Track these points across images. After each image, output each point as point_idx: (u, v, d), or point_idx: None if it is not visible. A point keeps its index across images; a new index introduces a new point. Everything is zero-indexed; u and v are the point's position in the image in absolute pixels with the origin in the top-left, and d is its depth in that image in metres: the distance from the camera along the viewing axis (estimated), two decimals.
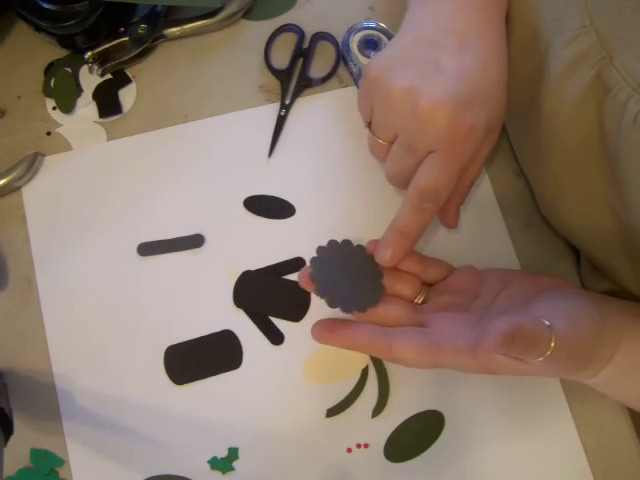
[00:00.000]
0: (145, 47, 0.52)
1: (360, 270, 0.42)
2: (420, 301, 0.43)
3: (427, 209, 0.40)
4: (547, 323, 0.34)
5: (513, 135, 0.50)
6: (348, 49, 0.52)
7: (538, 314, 0.36)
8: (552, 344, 0.34)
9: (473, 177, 0.44)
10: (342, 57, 0.53)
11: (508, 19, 0.44)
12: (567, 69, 0.37)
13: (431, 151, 0.39)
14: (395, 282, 0.43)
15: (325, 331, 0.40)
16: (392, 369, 0.47)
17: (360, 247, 0.43)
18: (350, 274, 0.42)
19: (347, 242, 0.43)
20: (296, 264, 0.48)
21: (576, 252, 0.50)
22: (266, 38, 0.53)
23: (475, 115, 0.38)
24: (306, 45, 0.53)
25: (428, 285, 0.44)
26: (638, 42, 0.34)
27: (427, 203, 0.40)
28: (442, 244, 0.49)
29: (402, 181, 0.42)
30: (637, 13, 0.34)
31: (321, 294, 0.41)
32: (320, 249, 0.42)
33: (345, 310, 0.40)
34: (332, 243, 0.42)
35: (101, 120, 0.51)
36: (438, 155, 0.39)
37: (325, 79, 0.52)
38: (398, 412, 0.46)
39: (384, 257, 0.41)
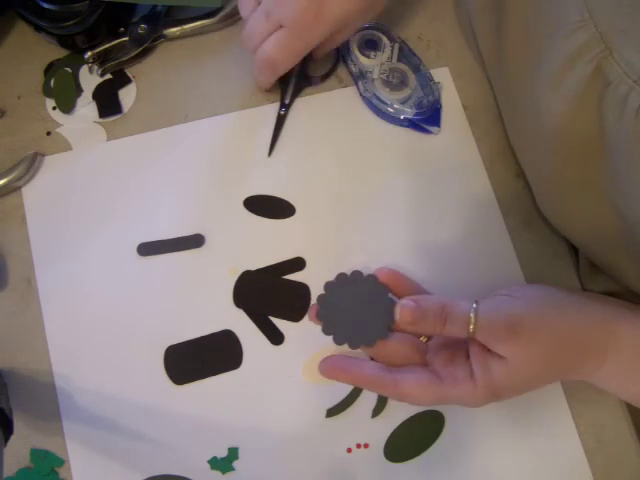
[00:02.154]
0: (145, 47, 0.52)
1: (370, 302, 0.40)
2: (425, 340, 0.42)
3: (265, 75, 0.48)
4: (473, 305, 0.37)
5: (512, 131, 0.50)
6: (348, 49, 0.52)
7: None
8: (471, 315, 0.36)
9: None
10: (342, 57, 0.53)
11: (505, 14, 0.44)
12: (566, 63, 0.37)
13: (282, 25, 0.44)
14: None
15: (332, 368, 0.40)
16: None
17: (371, 277, 0.41)
18: (359, 307, 0.40)
19: (357, 273, 0.41)
20: (296, 264, 0.48)
21: (575, 252, 0.50)
22: None
23: (330, 7, 0.42)
24: None
25: None
26: (638, 34, 0.34)
27: (264, 70, 0.47)
28: (442, 244, 0.49)
29: (251, 45, 0.47)
30: (636, 5, 0.34)
31: (328, 332, 0.40)
32: (328, 285, 0.41)
33: (352, 347, 0.40)
34: (340, 277, 0.41)
35: (101, 120, 0.51)
36: (284, 31, 0.44)
37: (324, 78, 0.52)
38: (398, 412, 0.46)
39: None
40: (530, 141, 0.45)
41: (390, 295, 0.41)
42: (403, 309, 0.38)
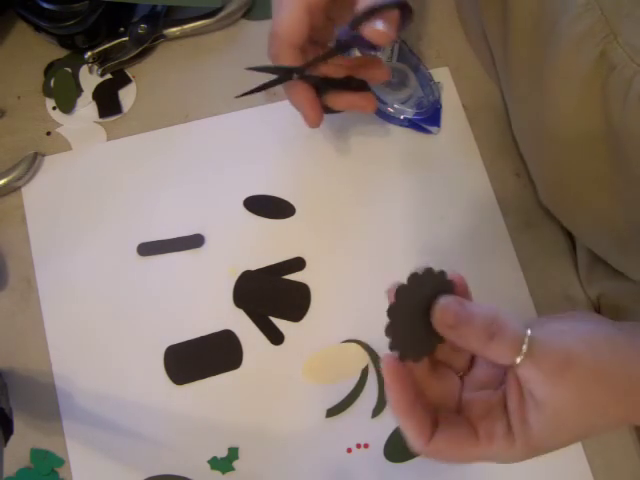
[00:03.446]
0: (145, 47, 0.52)
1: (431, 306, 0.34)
2: (461, 374, 0.36)
3: (273, 50, 0.42)
4: (528, 331, 0.31)
5: (516, 120, 0.49)
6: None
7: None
8: (525, 340, 0.30)
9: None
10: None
11: (509, 2, 0.44)
12: (572, 48, 0.37)
13: None
14: (450, 351, 0.36)
15: (398, 374, 0.33)
16: None
17: (442, 274, 0.34)
18: (425, 313, 0.34)
19: (442, 274, 0.34)
20: (296, 264, 0.48)
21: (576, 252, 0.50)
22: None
23: None
24: None
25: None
26: None
27: (270, 44, 0.42)
28: (441, 244, 0.49)
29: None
30: None
31: (389, 334, 0.33)
32: (412, 277, 0.34)
33: (402, 358, 0.33)
34: (428, 272, 0.34)
35: (101, 120, 0.51)
36: None
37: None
38: None
39: None
40: (535, 129, 0.45)
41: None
42: (446, 307, 0.32)
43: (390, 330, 0.33)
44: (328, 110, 0.44)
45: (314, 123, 0.43)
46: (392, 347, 0.33)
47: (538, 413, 0.31)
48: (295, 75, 0.42)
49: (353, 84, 0.43)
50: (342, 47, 0.41)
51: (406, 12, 0.39)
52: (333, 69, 0.43)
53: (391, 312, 0.34)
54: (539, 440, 0.31)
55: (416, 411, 0.32)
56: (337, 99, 0.43)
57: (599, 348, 0.31)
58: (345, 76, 0.44)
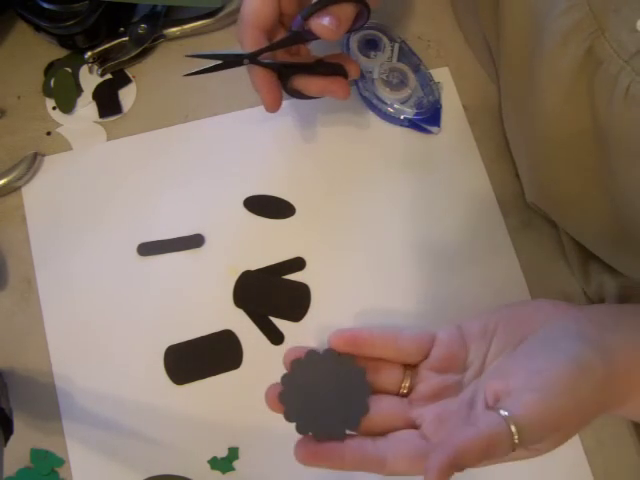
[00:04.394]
0: (145, 47, 0.52)
1: (343, 385, 0.35)
2: (406, 390, 0.36)
3: (243, 34, 0.42)
4: (504, 417, 0.30)
5: (508, 117, 0.49)
6: (348, 49, 0.52)
7: (510, 388, 0.31)
8: (515, 437, 0.29)
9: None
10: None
11: None
12: (559, 42, 0.37)
13: None
14: (375, 377, 0.36)
15: (309, 455, 0.34)
16: None
17: (347, 358, 0.36)
18: (330, 390, 0.35)
19: (330, 352, 0.36)
20: (296, 264, 0.48)
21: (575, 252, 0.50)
22: None
23: None
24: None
25: (412, 367, 0.37)
26: (630, 14, 0.34)
27: (239, 30, 0.42)
28: (441, 244, 0.49)
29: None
30: None
31: (290, 419, 0.35)
32: (295, 363, 0.36)
33: (318, 437, 0.34)
34: (311, 355, 0.36)
35: (101, 120, 0.51)
36: None
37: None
38: None
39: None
40: (526, 128, 0.45)
41: (357, 366, 0.36)
42: (439, 467, 0.28)
43: (289, 411, 0.35)
44: (303, 96, 0.44)
45: (270, 107, 0.43)
46: (301, 430, 0.35)
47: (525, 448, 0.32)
48: (246, 61, 0.42)
49: (321, 69, 0.43)
50: (293, 37, 0.41)
51: (363, 10, 0.39)
52: (298, 59, 0.44)
53: (285, 381, 0.36)
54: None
55: (359, 460, 0.33)
56: (307, 84, 0.43)
57: (581, 394, 0.31)
58: (314, 61, 0.44)
